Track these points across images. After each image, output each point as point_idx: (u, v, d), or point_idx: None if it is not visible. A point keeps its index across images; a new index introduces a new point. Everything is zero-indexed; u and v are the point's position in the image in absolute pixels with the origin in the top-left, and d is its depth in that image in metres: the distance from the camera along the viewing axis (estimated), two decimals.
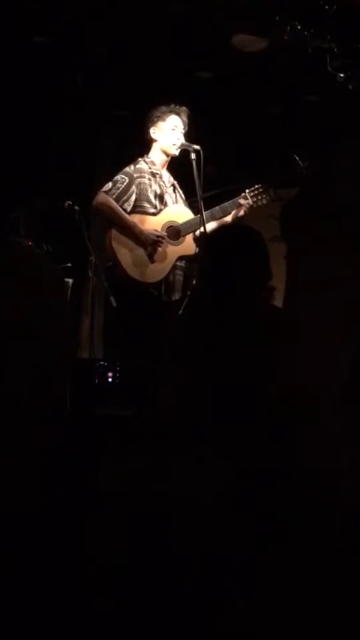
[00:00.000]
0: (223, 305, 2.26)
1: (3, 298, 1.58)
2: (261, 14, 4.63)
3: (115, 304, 4.48)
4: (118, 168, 4.06)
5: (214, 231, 3.88)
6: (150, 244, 3.86)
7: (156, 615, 1.65)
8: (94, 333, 5.36)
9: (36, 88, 5.23)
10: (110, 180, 3.96)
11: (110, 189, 3.90)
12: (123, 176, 3.94)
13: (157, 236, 3.87)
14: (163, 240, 3.89)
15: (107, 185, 3.93)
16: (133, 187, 3.91)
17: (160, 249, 3.89)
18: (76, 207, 4.89)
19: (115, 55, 5.10)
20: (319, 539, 1.72)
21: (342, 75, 4.87)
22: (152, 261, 3.90)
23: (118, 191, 3.89)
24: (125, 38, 4.90)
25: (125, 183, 3.90)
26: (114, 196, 3.88)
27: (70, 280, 5.15)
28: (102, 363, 4.41)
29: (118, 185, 3.90)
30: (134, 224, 3.87)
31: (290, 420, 1.95)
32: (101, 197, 3.92)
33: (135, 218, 3.92)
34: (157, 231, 3.89)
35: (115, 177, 3.95)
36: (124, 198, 3.89)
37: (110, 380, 4.27)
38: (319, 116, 5.40)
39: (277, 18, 4.62)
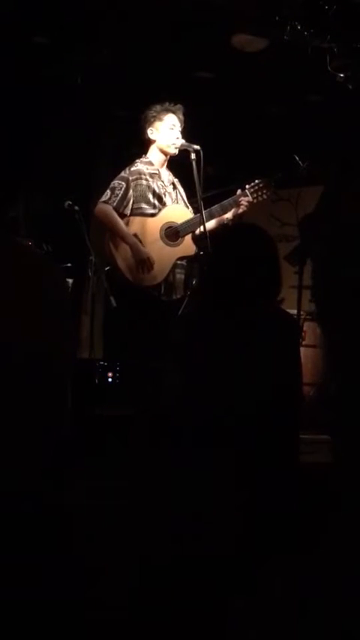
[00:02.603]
0: (234, 307, 2.21)
1: (3, 298, 1.58)
2: (261, 14, 4.63)
3: (115, 304, 4.47)
4: (118, 168, 4.05)
5: (224, 231, 3.85)
6: (138, 262, 3.85)
7: (155, 614, 1.65)
8: (94, 333, 5.36)
9: (36, 88, 5.23)
10: (108, 188, 3.94)
11: (109, 198, 3.88)
12: (119, 182, 3.92)
13: (145, 261, 3.84)
14: (150, 266, 3.85)
15: (105, 194, 3.91)
16: (131, 191, 3.90)
17: (159, 250, 3.89)
18: (76, 207, 4.89)
19: (115, 55, 5.10)
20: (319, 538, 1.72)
21: (342, 75, 4.87)
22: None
23: (117, 198, 3.87)
24: (125, 38, 4.90)
25: (123, 189, 3.89)
26: (114, 204, 3.86)
27: (70, 280, 5.15)
28: (102, 363, 4.41)
29: (116, 192, 3.89)
30: (130, 239, 3.85)
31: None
32: (101, 207, 3.90)
33: (134, 220, 3.90)
34: (149, 259, 3.85)
35: (112, 184, 3.93)
36: (124, 204, 3.88)
37: (110, 380, 4.28)
38: (319, 116, 5.40)
39: (277, 18, 4.62)
